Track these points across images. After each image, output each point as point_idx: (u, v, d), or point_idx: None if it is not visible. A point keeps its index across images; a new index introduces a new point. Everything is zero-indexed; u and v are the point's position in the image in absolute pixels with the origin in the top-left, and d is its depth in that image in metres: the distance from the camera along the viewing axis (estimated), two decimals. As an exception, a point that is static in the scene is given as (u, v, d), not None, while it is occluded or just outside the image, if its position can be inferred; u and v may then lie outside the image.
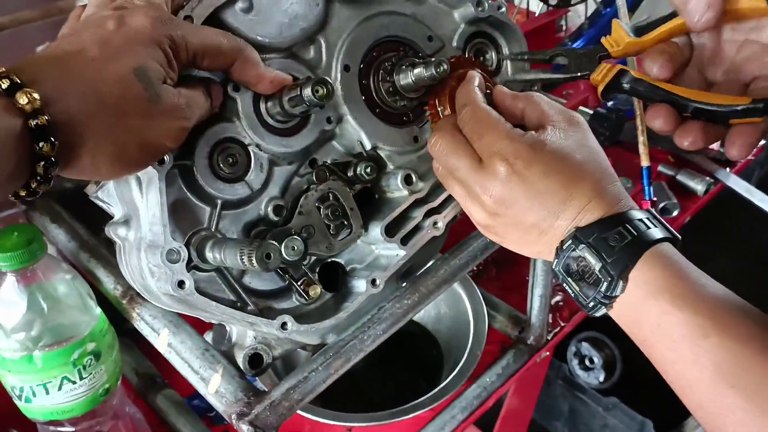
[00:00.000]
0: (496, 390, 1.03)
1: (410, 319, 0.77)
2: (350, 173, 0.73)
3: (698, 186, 1.43)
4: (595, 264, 0.57)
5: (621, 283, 0.56)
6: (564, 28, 1.88)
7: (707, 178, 1.44)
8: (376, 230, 0.73)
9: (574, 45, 1.69)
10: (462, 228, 0.83)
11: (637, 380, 2.09)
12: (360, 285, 0.72)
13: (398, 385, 1.14)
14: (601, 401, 2.00)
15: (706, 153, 1.47)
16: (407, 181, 0.74)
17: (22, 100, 0.46)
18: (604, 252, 0.57)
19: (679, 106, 0.62)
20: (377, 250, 0.75)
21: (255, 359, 0.70)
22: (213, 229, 0.67)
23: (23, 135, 0.46)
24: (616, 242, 0.57)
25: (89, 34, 0.53)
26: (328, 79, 0.63)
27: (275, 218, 0.70)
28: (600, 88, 0.66)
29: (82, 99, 0.50)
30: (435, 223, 0.75)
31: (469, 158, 0.64)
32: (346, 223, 0.72)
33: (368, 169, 0.73)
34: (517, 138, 0.62)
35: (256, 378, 0.96)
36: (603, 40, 0.67)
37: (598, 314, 0.59)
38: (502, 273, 1.30)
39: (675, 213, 1.39)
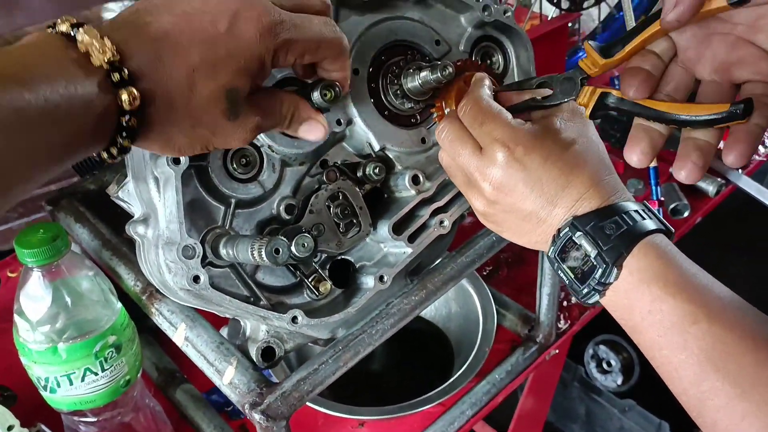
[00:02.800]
0: (506, 387, 1.05)
1: (418, 315, 0.79)
2: (359, 173, 0.76)
3: (709, 187, 1.43)
4: (591, 251, 0.59)
5: (615, 270, 0.58)
6: (579, 31, 1.89)
7: (718, 179, 1.45)
8: (384, 228, 0.75)
9: (588, 48, 1.70)
10: (470, 227, 0.86)
11: (656, 383, 2.09)
12: (368, 281, 0.75)
13: (412, 383, 1.16)
14: (618, 404, 2.00)
15: (718, 154, 1.48)
16: (415, 181, 0.76)
17: (124, 96, 0.48)
18: (600, 240, 0.58)
19: (663, 119, 0.63)
20: (386, 247, 0.78)
21: (267, 352, 0.73)
22: (227, 227, 0.70)
23: (113, 113, 0.48)
24: (612, 231, 0.58)
25: (198, 28, 0.51)
26: (335, 82, 0.66)
27: (287, 217, 0.72)
28: (587, 112, 0.68)
29: (171, 107, 0.51)
30: (441, 222, 0.78)
31: (472, 145, 0.66)
32: (355, 221, 0.75)
33: (377, 170, 0.75)
34: (517, 126, 0.64)
35: (270, 371, 0.99)
36: (580, 62, 0.68)
37: (590, 301, 0.61)
38: (513, 273, 1.32)
39: (686, 214, 1.39)
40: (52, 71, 0.45)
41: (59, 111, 0.44)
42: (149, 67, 0.49)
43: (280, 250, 0.61)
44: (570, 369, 2.06)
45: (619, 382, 2.10)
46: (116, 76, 0.47)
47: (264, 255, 0.60)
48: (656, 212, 0.62)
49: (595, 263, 0.59)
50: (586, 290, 0.60)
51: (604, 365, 2.14)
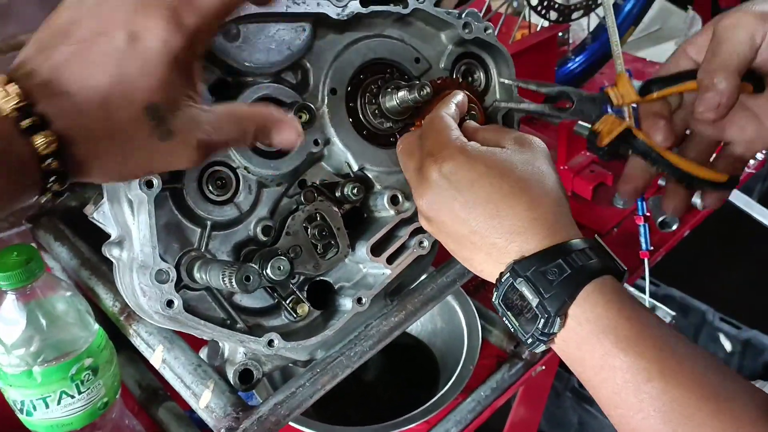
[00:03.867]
0: (491, 403, 1.04)
1: (398, 335, 0.78)
2: (338, 194, 0.75)
3: (698, 200, 1.41)
4: (533, 299, 0.55)
5: (558, 320, 0.54)
6: (569, 41, 1.89)
7: (707, 191, 1.44)
8: (362, 250, 0.74)
9: (578, 59, 1.70)
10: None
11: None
12: (346, 303, 0.74)
13: (399, 397, 1.16)
14: (610, 413, 1.99)
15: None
16: (393, 201, 0.75)
17: (39, 140, 0.46)
18: (542, 287, 0.54)
19: (676, 175, 0.70)
20: (365, 268, 0.77)
21: (245, 375, 0.72)
22: (203, 250, 0.69)
23: (33, 159, 0.46)
24: (554, 276, 0.54)
25: (98, 51, 0.48)
26: (310, 104, 0.65)
27: (264, 238, 0.71)
28: (605, 140, 0.69)
29: (93, 139, 0.49)
30: (421, 243, 0.77)
31: (416, 161, 0.64)
32: (333, 242, 0.74)
33: (355, 190, 0.74)
34: (454, 143, 0.61)
35: (254, 391, 0.98)
36: (609, 90, 0.70)
37: (538, 350, 0.58)
38: (500, 287, 1.31)
39: (674, 227, 1.39)
40: None
41: None
42: (59, 105, 0.47)
43: (251, 278, 0.60)
44: (562, 378, 2.05)
45: (612, 391, 2.09)
46: (26, 123, 0.45)
47: (234, 282, 0.59)
48: (606, 248, 0.59)
49: (537, 312, 0.55)
50: (530, 340, 0.56)
51: (597, 374, 2.13)
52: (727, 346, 1.99)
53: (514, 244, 0.58)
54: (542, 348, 0.57)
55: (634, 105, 0.73)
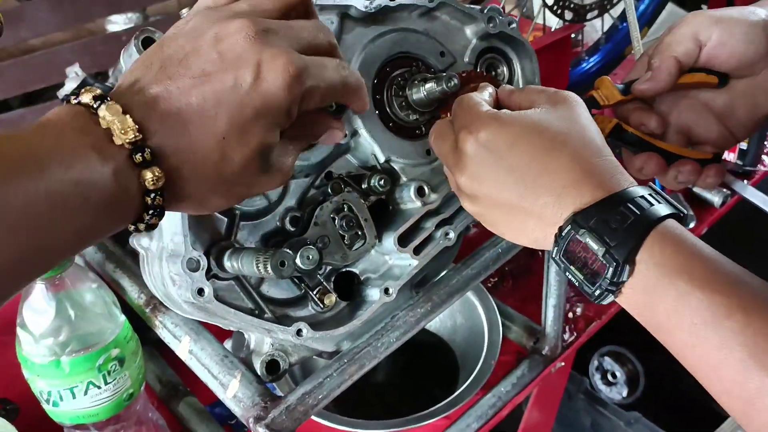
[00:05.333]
0: (512, 399, 1.04)
1: (423, 327, 0.79)
2: (364, 185, 0.76)
3: (715, 198, 1.42)
4: (599, 249, 0.53)
5: (627, 267, 0.53)
6: (582, 42, 1.89)
7: (724, 189, 1.44)
8: (389, 240, 0.75)
9: (591, 59, 1.70)
10: (477, 237, 0.86)
11: (661, 395, 2.08)
12: (373, 294, 0.74)
13: (417, 394, 1.16)
14: (624, 416, 1.98)
15: (724, 165, 1.47)
16: (420, 193, 0.76)
17: (148, 175, 0.46)
18: (607, 236, 0.53)
19: (665, 155, 0.76)
20: (391, 260, 0.77)
21: (272, 365, 0.72)
22: (231, 240, 0.69)
23: (138, 193, 0.46)
24: (618, 224, 0.53)
25: (221, 89, 0.48)
26: None
27: (292, 229, 0.72)
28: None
29: (201, 179, 0.49)
30: (447, 234, 0.77)
31: (451, 141, 0.64)
32: (360, 233, 0.74)
33: (382, 182, 0.75)
34: (485, 112, 0.61)
35: (275, 384, 0.98)
36: (593, 93, 0.76)
37: (605, 302, 0.56)
38: (519, 284, 1.31)
39: (691, 225, 1.39)
40: (68, 159, 0.43)
41: (74, 201, 0.42)
42: (174, 142, 0.47)
43: (286, 263, 0.61)
44: (575, 381, 2.05)
45: (624, 394, 2.09)
46: (138, 158, 0.45)
47: (270, 268, 0.60)
48: (664, 194, 0.57)
49: (604, 262, 0.54)
50: (598, 292, 0.55)
51: (609, 377, 2.12)
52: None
53: (568, 199, 0.57)
54: (610, 299, 0.56)
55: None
